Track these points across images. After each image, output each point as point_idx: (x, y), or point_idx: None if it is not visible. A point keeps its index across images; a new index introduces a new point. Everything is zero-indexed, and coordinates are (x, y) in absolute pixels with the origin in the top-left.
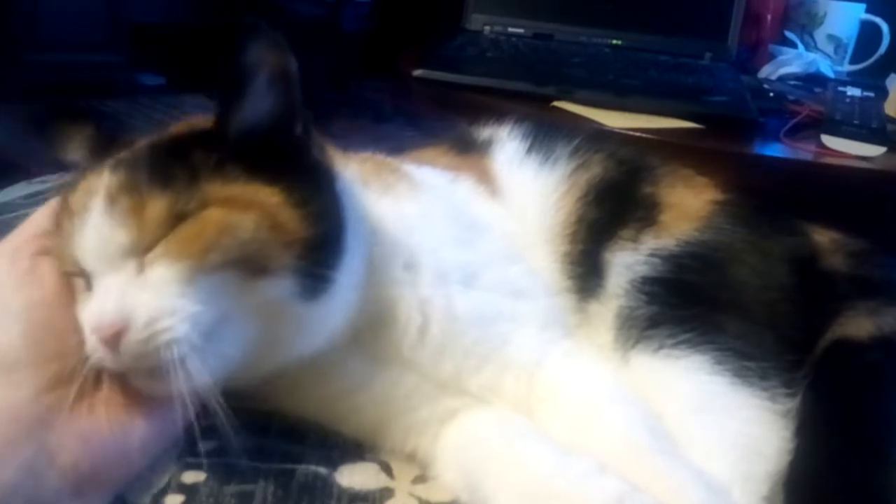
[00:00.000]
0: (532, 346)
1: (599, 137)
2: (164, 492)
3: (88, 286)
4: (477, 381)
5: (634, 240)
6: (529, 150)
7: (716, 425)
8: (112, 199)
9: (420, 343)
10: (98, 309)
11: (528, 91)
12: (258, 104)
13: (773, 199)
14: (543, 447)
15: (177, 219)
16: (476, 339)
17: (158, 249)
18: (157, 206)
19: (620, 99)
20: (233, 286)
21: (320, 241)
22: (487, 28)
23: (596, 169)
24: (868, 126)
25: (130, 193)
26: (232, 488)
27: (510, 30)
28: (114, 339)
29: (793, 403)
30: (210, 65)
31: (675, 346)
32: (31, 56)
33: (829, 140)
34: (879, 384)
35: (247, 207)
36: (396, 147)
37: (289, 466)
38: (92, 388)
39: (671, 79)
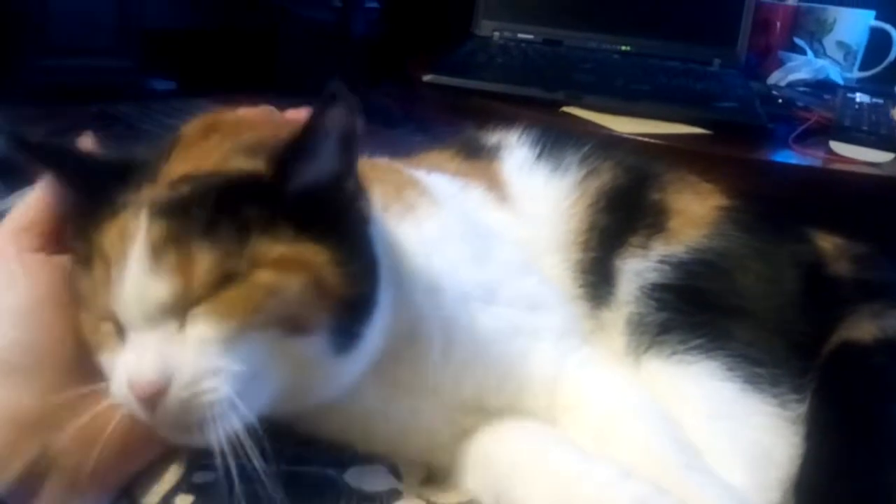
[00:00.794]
0: (550, 360)
1: (608, 145)
2: (174, 491)
3: (119, 332)
4: (497, 401)
5: (644, 247)
6: (539, 157)
7: (728, 432)
8: (156, 252)
9: (443, 365)
10: (137, 365)
11: (538, 96)
12: (324, 165)
13: (781, 204)
14: (570, 453)
15: (224, 278)
16: (497, 356)
17: (202, 307)
18: (206, 263)
19: (629, 104)
20: (270, 344)
21: (358, 300)
22: (497, 34)
23: (605, 176)
24: (877, 132)
25: (177, 247)
26: (241, 488)
27: (520, 36)
28: (152, 398)
29: (802, 409)
30: (220, 69)
31: (686, 351)
32: (42, 60)
33: (837, 146)
34: (884, 387)
35: (295, 268)
36: (406, 153)
37: (298, 468)
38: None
39: (680, 84)
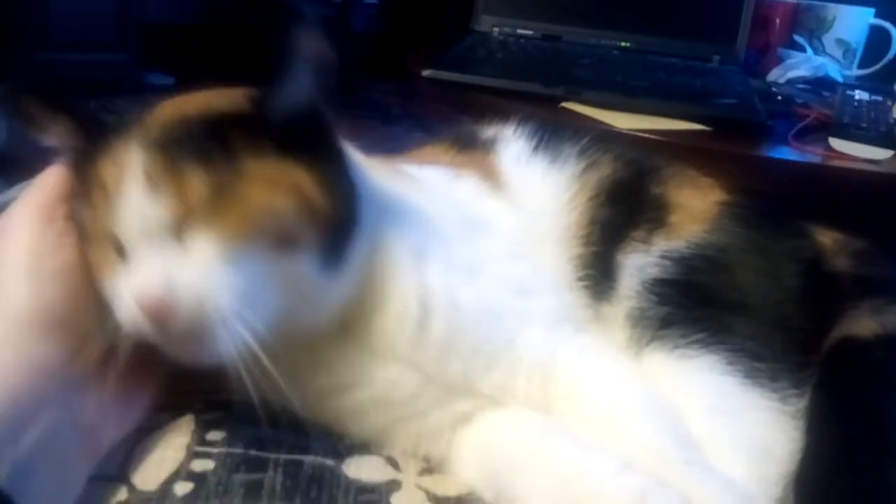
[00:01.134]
0: (542, 345)
1: (606, 138)
2: (173, 479)
3: (121, 256)
4: (488, 382)
5: (645, 241)
6: (536, 150)
7: (728, 426)
8: (151, 175)
9: (421, 339)
10: (144, 283)
11: (537, 92)
12: (301, 89)
13: (780, 201)
14: (571, 446)
15: (217, 196)
16: (483, 337)
17: (200, 224)
18: (199, 183)
19: (629, 100)
20: (266, 262)
21: (341, 221)
22: (496, 29)
23: (605, 170)
24: (876, 129)
25: (170, 170)
26: (240, 477)
27: (519, 31)
28: (161, 313)
29: (802, 404)
30: (218, 64)
31: (687, 346)
32: (40, 55)
33: (837, 143)
34: (884, 382)
35: (283, 186)
36: (403, 148)
37: (297, 457)
38: (112, 355)
39: (679, 81)
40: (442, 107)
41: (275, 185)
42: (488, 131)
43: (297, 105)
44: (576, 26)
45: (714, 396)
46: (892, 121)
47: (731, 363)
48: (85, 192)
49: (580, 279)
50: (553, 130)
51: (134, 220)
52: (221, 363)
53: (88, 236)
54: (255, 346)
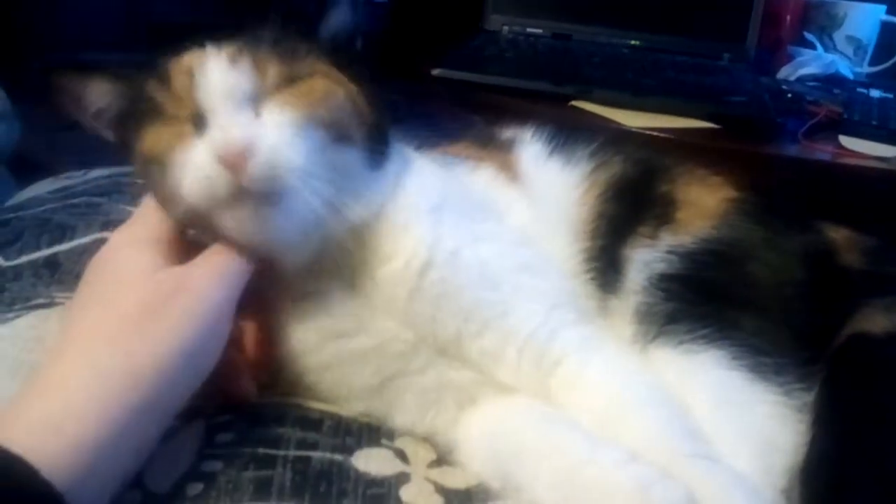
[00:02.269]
0: (538, 321)
1: (617, 140)
2: (184, 479)
3: (199, 133)
4: (477, 347)
5: (652, 237)
6: (552, 151)
7: (734, 420)
8: (234, 58)
9: (419, 292)
10: (225, 134)
11: (547, 90)
12: (342, 17)
13: (790, 199)
14: (575, 436)
15: (290, 80)
16: (477, 300)
17: (276, 99)
18: (274, 65)
19: (639, 99)
20: (325, 144)
21: (379, 128)
22: (506, 28)
23: (615, 169)
24: (886, 127)
25: (251, 55)
26: (249, 474)
27: (529, 30)
28: (239, 161)
29: (808, 398)
30: None
31: (693, 341)
32: (49, 55)
33: (847, 141)
34: (894, 379)
35: (338, 83)
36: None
37: (305, 453)
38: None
39: (689, 79)
40: (451, 106)
41: (333, 80)
42: (506, 133)
43: (339, 31)
44: (585, 25)
45: (719, 390)
46: None
47: (736, 358)
48: (160, 81)
49: (588, 271)
50: (568, 133)
51: (219, 86)
52: (282, 239)
53: (160, 116)
54: (322, 212)
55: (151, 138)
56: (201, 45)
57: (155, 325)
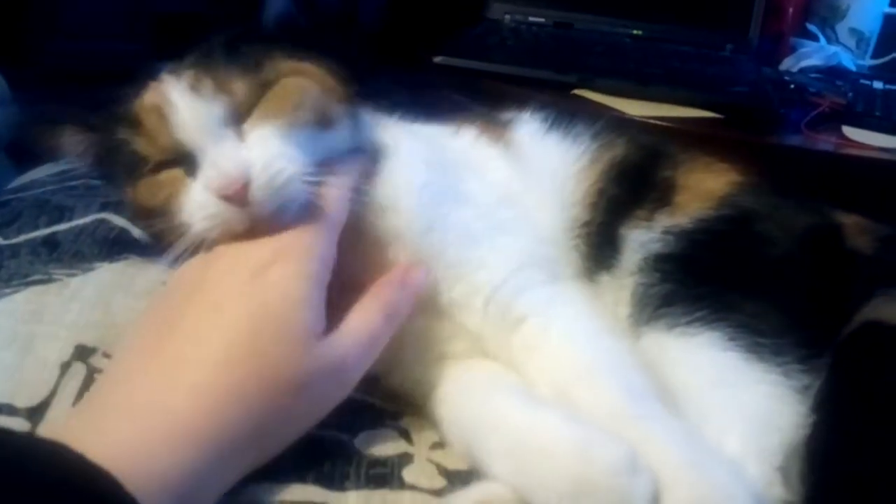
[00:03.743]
0: (506, 276)
1: (621, 124)
2: None
3: (190, 173)
4: (448, 296)
5: (648, 219)
6: (550, 129)
7: (731, 399)
8: (196, 85)
9: (415, 247)
10: (219, 170)
11: (549, 79)
12: (277, 7)
13: (793, 189)
14: (521, 404)
15: (259, 90)
16: (458, 258)
17: (254, 115)
18: (239, 82)
19: (641, 88)
20: (314, 137)
21: (355, 99)
22: (508, 17)
23: (618, 150)
24: (889, 118)
25: (212, 76)
26: None
27: (531, 19)
28: (241, 192)
29: (808, 379)
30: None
31: (689, 323)
32: (53, 44)
33: (850, 131)
34: None
35: (304, 75)
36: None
37: (309, 432)
38: None
39: (692, 69)
40: (453, 94)
41: (301, 74)
42: (506, 115)
43: (284, 11)
44: (588, 14)
45: (715, 371)
46: None
47: (732, 338)
48: (127, 135)
49: (579, 244)
50: (568, 116)
51: (192, 122)
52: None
53: (139, 169)
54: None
55: (145, 191)
56: (153, 76)
57: (297, 402)
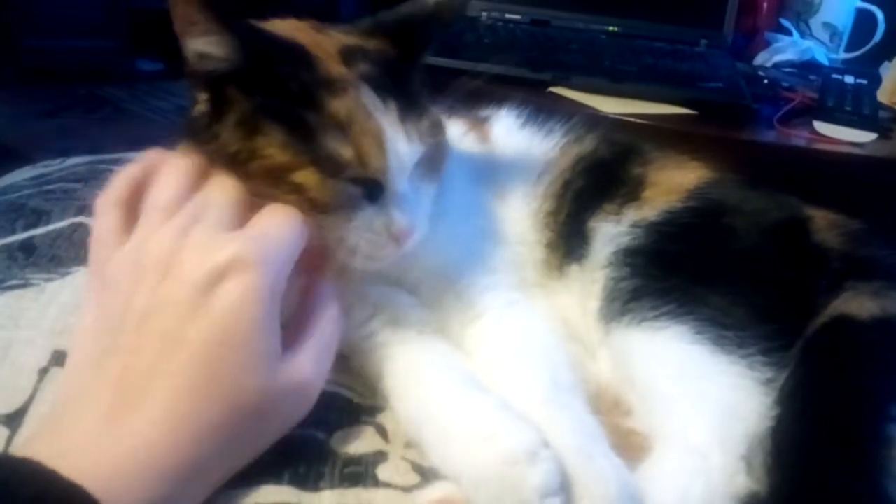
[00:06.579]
0: (477, 276)
1: (593, 121)
2: None
3: (369, 196)
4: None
5: (617, 213)
6: (524, 125)
7: (695, 391)
8: (410, 134)
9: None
10: (407, 221)
11: (525, 76)
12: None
13: (765, 184)
14: (452, 391)
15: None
16: (445, 261)
17: (424, 174)
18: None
19: (616, 85)
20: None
21: None
22: (485, 14)
23: (588, 145)
24: (860, 112)
25: (414, 122)
26: None
27: (507, 16)
28: (405, 239)
29: (772, 372)
30: None
31: (656, 318)
32: (29, 41)
33: (821, 126)
34: (876, 364)
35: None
36: None
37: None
38: None
39: (666, 65)
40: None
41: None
42: (482, 112)
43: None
44: (564, 11)
45: (681, 364)
46: (876, 104)
47: (698, 332)
48: (316, 124)
49: (546, 233)
50: (542, 113)
51: (399, 164)
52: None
53: (326, 167)
54: None
55: (326, 190)
56: (381, 97)
57: (262, 424)
